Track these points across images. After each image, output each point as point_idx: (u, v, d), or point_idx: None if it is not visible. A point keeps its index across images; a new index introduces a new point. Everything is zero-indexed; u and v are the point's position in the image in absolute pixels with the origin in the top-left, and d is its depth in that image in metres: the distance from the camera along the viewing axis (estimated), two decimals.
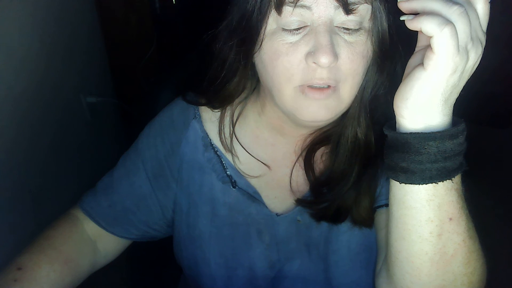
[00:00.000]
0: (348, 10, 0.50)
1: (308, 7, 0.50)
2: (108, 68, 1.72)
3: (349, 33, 0.52)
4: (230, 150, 0.68)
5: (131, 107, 1.68)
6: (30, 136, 1.06)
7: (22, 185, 1.01)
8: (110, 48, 1.70)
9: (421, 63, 0.43)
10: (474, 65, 0.44)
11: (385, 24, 0.53)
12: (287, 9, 0.51)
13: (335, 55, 0.51)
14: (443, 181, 0.45)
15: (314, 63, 0.51)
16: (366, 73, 0.57)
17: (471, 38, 0.41)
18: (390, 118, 0.49)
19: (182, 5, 1.98)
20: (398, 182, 0.47)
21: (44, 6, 1.17)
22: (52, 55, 1.20)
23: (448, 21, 0.40)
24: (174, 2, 1.97)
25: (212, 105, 0.68)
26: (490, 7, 0.43)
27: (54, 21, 1.23)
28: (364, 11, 0.52)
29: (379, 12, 0.52)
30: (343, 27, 0.52)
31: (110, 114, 1.73)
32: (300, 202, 0.65)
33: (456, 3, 0.41)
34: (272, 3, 0.52)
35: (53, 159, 1.18)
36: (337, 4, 0.50)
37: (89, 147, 1.46)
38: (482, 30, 0.43)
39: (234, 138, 0.68)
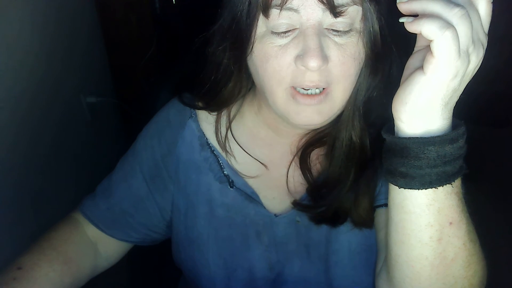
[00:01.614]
0: (335, 13, 0.49)
1: (295, 10, 0.50)
2: (108, 68, 1.72)
3: (339, 35, 0.51)
4: (227, 149, 0.68)
5: (131, 107, 1.68)
6: (30, 136, 1.06)
7: (22, 185, 1.01)
8: (110, 48, 1.70)
9: (421, 66, 0.42)
10: (475, 68, 0.43)
11: (376, 25, 0.52)
12: (274, 12, 0.50)
13: (324, 58, 0.50)
14: (442, 186, 0.44)
15: (303, 66, 0.50)
16: (359, 76, 0.56)
17: (473, 41, 0.41)
18: (386, 120, 0.49)
19: (182, 5, 1.98)
20: (397, 187, 0.46)
21: (44, 6, 1.17)
22: (52, 55, 1.20)
23: (449, 24, 0.39)
24: (174, 2, 1.97)
25: (210, 109, 0.68)
26: (492, 7, 0.42)
27: (54, 21, 1.23)
28: (354, 12, 0.51)
29: (370, 13, 0.51)
30: (333, 29, 0.51)
31: (110, 114, 1.73)
32: (296, 205, 0.64)
33: (457, 5, 0.40)
34: (260, 6, 0.51)
35: (53, 159, 1.18)
36: (324, 7, 0.49)
37: (89, 147, 1.46)
38: (484, 32, 0.42)
39: (231, 137, 0.68)
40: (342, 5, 0.49)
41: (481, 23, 0.42)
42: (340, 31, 0.51)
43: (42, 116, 1.13)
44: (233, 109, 0.69)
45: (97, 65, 1.63)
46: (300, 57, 0.51)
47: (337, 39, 0.51)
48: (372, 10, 0.51)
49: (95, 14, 1.60)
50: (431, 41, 0.40)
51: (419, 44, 0.46)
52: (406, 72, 0.46)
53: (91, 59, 1.55)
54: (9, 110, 0.97)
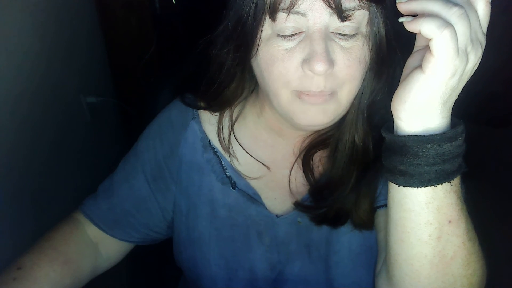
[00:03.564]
0: (343, 17, 0.49)
1: (302, 14, 0.50)
2: (108, 68, 1.72)
3: (345, 39, 0.51)
4: (229, 150, 0.68)
5: (131, 107, 1.68)
6: (31, 136, 1.07)
7: (22, 185, 1.02)
8: (110, 48, 1.70)
9: (420, 65, 0.43)
10: (473, 67, 0.43)
11: (382, 30, 0.52)
12: (281, 15, 0.50)
13: (330, 63, 0.50)
14: (441, 184, 0.44)
15: (310, 71, 0.50)
16: (363, 79, 0.56)
17: (471, 40, 0.41)
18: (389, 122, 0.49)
19: (182, 5, 1.99)
20: (397, 185, 0.47)
21: (44, 6, 1.17)
22: (52, 55, 1.21)
23: (447, 23, 0.39)
24: (174, 2, 1.97)
25: (212, 109, 0.68)
26: (491, 8, 0.42)
27: (54, 21, 1.23)
28: (360, 16, 0.51)
29: (376, 18, 0.52)
30: (339, 33, 0.51)
31: (110, 114, 1.74)
32: (298, 205, 0.64)
33: (456, 5, 0.40)
34: (266, 9, 0.51)
35: (53, 159, 1.19)
36: (332, 11, 0.49)
37: (89, 147, 1.46)
38: (482, 31, 0.43)
39: (233, 139, 0.68)
40: (349, 9, 0.49)
41: (480, 23, 0.42)
42: (346, 34, 0.51)
43: (42, 116, 1.13)
44: (236, 111, 0.69)
45: (97, 65, 1.63)
46: (306, 62, 0.50)
47: (342, 43, 0.51)
48: (378, 14, 0.51)
49: (95, 14, 1.60)
50: (430, 40, 0.40)
51: (418, 44, 0.46)
52: (405, 71, 0.46)
53: (91, 59, 1.55)
54: (10, 110, 0.98)
